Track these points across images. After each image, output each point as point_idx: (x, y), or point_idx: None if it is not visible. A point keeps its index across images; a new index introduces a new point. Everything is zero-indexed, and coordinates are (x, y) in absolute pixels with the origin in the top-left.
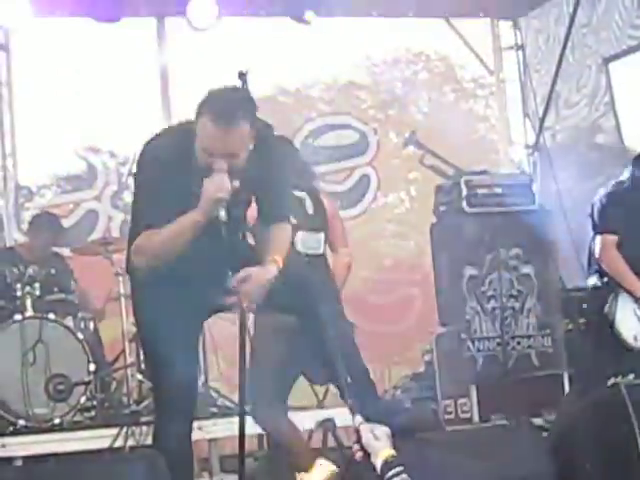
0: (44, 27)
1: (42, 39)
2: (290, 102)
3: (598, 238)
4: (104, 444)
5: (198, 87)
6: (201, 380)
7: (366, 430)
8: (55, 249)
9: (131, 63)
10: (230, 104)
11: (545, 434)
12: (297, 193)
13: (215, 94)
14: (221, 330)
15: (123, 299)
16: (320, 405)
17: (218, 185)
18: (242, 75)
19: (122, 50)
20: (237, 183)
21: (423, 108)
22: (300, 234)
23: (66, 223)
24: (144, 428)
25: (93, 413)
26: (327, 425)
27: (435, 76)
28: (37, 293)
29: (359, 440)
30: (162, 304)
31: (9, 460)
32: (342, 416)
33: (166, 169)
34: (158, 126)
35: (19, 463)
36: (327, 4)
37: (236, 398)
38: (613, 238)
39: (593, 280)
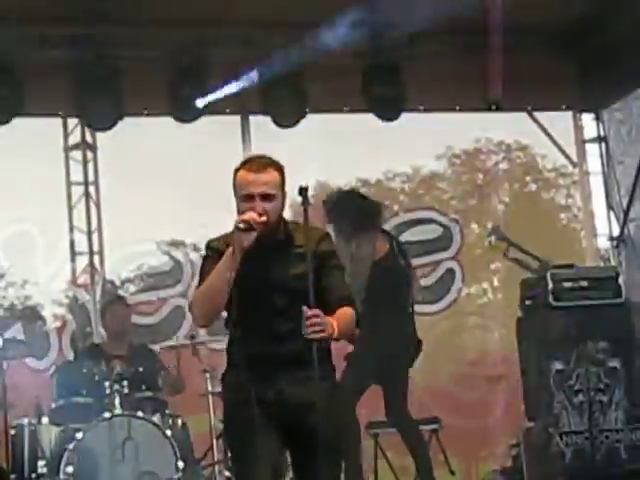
0: (130, 126)
1: (128, 138)
2: (371, 193)
3: None
4: None
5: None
6: None
7: None
8: (149, 345)
9: (215, 160)
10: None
11: None
12: None
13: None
14: None
15: (210, 396)
16: None
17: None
18: (303, 190)
19: (206, 147)
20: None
21: (504, 198)
22: None
23: (153, 320)
24: None
25: None
26: None
27: (516, 166)
28: (125, 391)
29: None
30: None
31: None
32: None
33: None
34: None
35: None
36: (410, 101)
37: None
38: None
39: None
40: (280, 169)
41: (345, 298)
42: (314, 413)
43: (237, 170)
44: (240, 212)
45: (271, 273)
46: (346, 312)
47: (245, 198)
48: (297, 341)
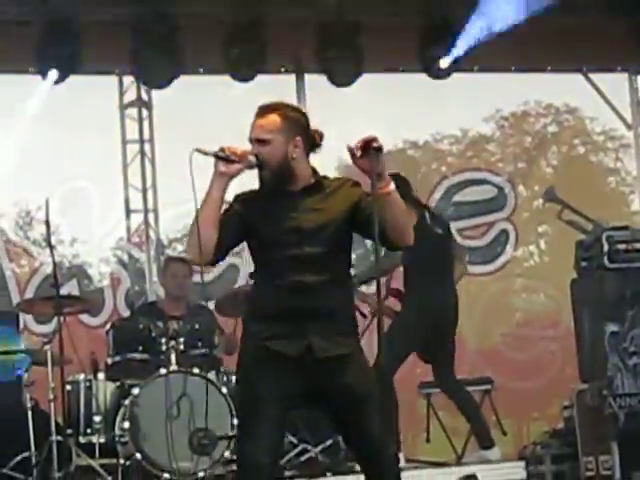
0: (186, 84)
1: (183, 96)
2: (419, 154)
3: None
4: None
5: (334, 142)
6: None
7: None
8: (202, 302)
9: None
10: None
11: None
12: None
13: None
14: None
15: None
16: (459, 462)
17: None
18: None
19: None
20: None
21: (552, 161)
22: None
23: (206, 278)
24: None
25: (235, 467)
26: None
27: (565, 129)
28: (181, 348)
29: None
30: None
31: None
32: (483, 472)
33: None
34: None
35: None
36: (464, 59)
37: None
38: None
39: None
40: (283, 114)
41: None
42: (345, 366)
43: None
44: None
45: (296, 220)
46: None
47: (251, 142)
48: (326, 293)
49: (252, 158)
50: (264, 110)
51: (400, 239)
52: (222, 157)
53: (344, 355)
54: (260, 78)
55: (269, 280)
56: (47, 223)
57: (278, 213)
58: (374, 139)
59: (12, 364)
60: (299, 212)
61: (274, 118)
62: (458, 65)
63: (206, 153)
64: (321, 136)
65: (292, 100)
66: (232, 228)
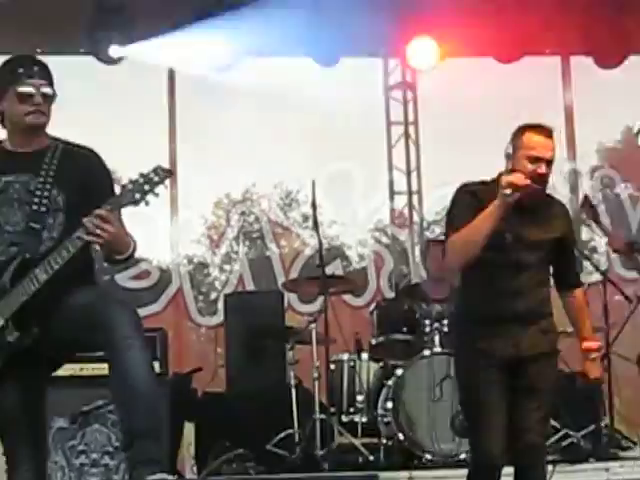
0: (450, 66)
1: (447, 78)
2: None
3: None
4: None
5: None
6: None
7: None
8: None
9: (533, 100)
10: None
11: None
12: None
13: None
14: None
15: None
16: None
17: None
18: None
19: (525, 88)
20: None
21: None
22: None
23: None
24: None
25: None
26: None
27: None
28: (445, 329)
29: None
30: None
31: None
32: None
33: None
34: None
35: None
36: None
37: None
38: None
39: None
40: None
41: (578, 276)
42: (543, 362)
43: (524, 130)
44: (520, 168)
45: (525, 231)
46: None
47: (532, 159)
48: (534, 296)
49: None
50: (549, 132)
51: None
52: (514, 190)
53: (546, 353)
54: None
55: (487, 283)
56: (313, 204)
57: (513, 221)
58: None
59: None
60: (527, 223)
61: (553, 141)
62: None
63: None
64: None
65: (557, 82)
66: None
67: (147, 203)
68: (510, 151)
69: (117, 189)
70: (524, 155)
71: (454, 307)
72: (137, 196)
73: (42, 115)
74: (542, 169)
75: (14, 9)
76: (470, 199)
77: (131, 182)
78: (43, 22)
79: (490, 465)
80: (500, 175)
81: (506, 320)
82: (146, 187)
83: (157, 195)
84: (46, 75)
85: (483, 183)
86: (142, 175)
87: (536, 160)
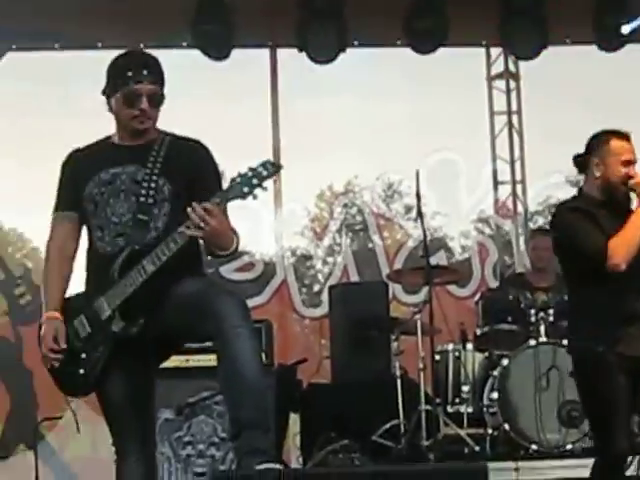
0: (553, 55)
1: (551, 67)
2: None
3: None
4: None
5: None
6: None
7: None
8: None
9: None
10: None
11: None
12: None
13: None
14: None
15: None
16: None
17: None
18: None
19: (629, 77)
20: None
21: None
22: None
23: None
24: None
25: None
26: None
27: None
28: (550, 319)
29: None
30: None
31: None
32: None
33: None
34: None
35: None
36: None
37: None
38: None
39: None
40: None
41: None
42: None
43: (608, 137)
44: (616, 173)
45: None
46: None
47: (625, 163)
48: None
49: None
50: (623, 134)
51: None
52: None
53: None
54: (628, 47)
55: (614, 285)
56: (418, 195)
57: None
58: None
59: None
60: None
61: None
62: None
63: None
64: None
65: None
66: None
67: (255, 197)
68: (597, 160)
69: (224, 182)
70: (617, 161)
71: (573, 305)
72: (245, 190)
73: (147, 120)
74: (634, 171)
75: (125, 4)
76: (578, 213)
77: (240, 176)
78: (151, 16)
79: (625, 460)
80: (581, 189)
81: (634, 321)
82: (254, 181)
83: (265, 189)
84: (156, 77)
85: (575, 200)
86: (251, 169)
87: (628, 163)
